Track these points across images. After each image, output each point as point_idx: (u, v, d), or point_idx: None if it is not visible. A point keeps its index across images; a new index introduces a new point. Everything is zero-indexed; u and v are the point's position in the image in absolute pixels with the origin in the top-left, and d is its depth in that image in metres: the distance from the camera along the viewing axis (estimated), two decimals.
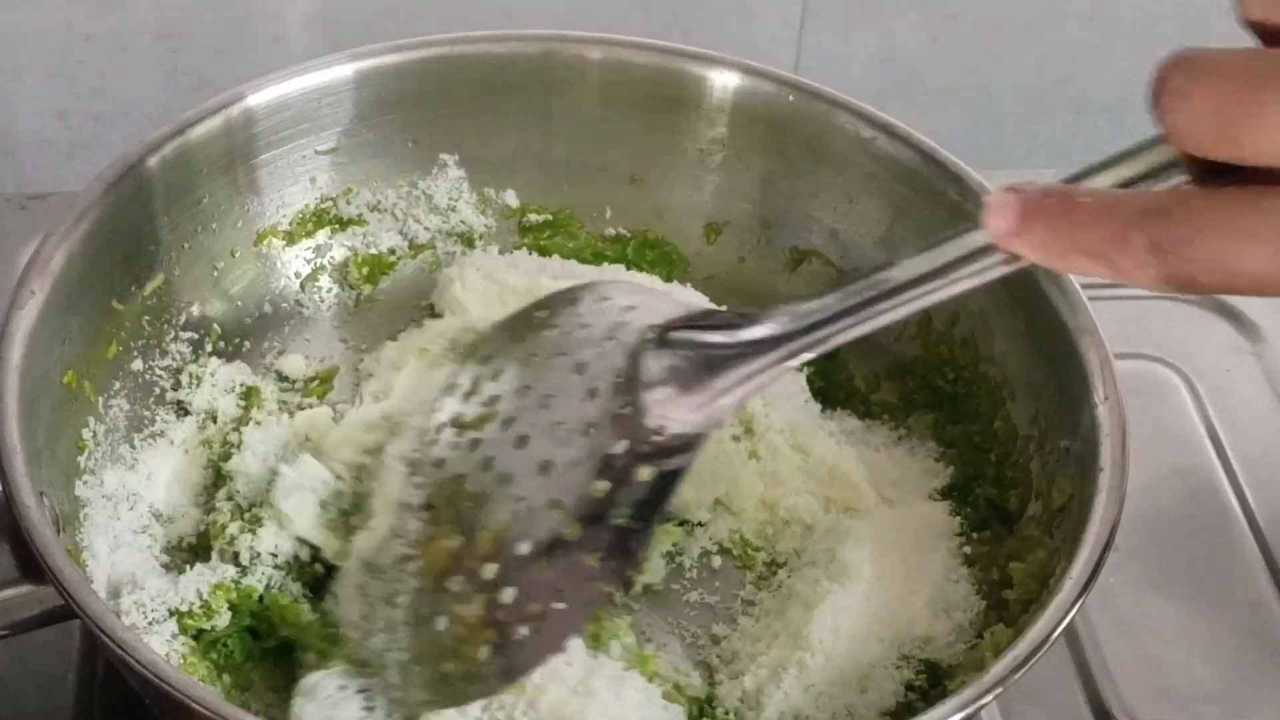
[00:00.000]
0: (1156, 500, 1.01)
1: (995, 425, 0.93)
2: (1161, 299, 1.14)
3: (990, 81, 1.32)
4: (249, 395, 0.94)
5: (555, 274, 0.98)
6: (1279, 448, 1.05)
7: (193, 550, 0.88)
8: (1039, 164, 1.28)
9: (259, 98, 0.95)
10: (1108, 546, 0.78)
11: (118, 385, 0.90)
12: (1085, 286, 0.89)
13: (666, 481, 0.74)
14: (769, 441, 0.92)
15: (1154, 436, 1.04)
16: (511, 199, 1.04)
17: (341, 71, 0.97)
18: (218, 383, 0.94)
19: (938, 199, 0.94)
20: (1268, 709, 0.92)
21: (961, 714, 0.71)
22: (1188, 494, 1.02)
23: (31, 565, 0.76)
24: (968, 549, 0.89)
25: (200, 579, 0.83)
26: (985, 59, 1.32)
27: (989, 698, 0.72)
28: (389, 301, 1.02)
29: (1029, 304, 0.90)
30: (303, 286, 1.01)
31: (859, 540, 0.87)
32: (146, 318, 0.92)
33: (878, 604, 0.85)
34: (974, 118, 1.34)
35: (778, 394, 0.93)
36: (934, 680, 0.83)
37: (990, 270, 0.65)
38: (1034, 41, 1.31)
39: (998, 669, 0.73)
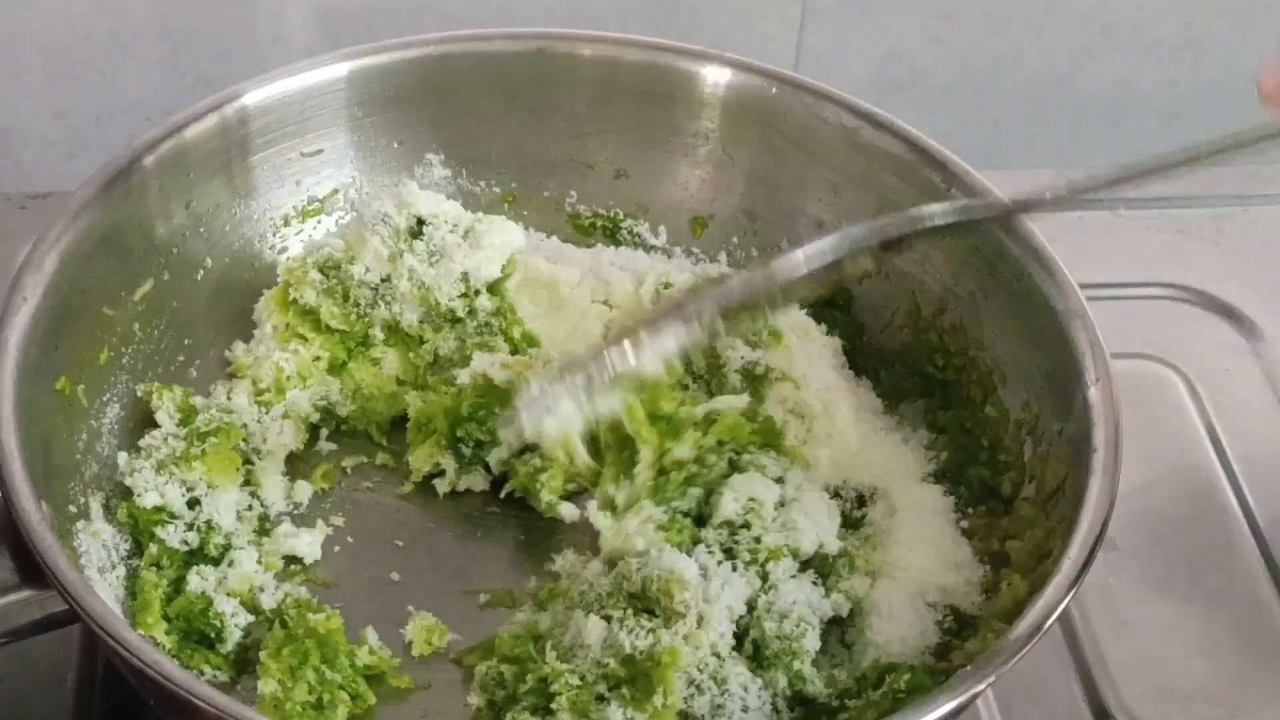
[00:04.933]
0: (1156, 500, 1.01)
1: (986, 410, 0.93)
2: (1161, 299, 1.14)
3: (990, 81, 1.32)
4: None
5: (550, 255, 1.00)
6: (1279, 448, 1.05)
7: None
8: (1039, 164, 1.28)
9: (246, 101, 0.95)
10: (1105, 526, 0.78)
11: (109, 392, 0.90)
12: (1084, 286, 0.89)
13: None
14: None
15: (1154, 436, 1.04)
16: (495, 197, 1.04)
17: (326, 74, 0.98)
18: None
19: (924, 186, 0.95)
20: (1267, 709, 0.92)
21: (960, 699, 0.72)
22: (1188, 494, 1.02)
23: (31, 570, 0.76)
24: (964, 523, 0.90)
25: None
26: (985, 59, 1.32)
27: (983, 685, 0.73)
28: None
29: (1017, 290, 0.90)
30: None
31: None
32: (137, 324, 0.92)
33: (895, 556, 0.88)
34: (974, 118, 1.34)
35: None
36: (961, 624, 0.85)
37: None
38: (1034, 41, 1.31)
39: (996, 655, 0.73)
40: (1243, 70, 1.33)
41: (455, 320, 0.95)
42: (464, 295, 0.95)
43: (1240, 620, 0.96)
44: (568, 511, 0.90)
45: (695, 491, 0.88)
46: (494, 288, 0.96)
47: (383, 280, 0.95)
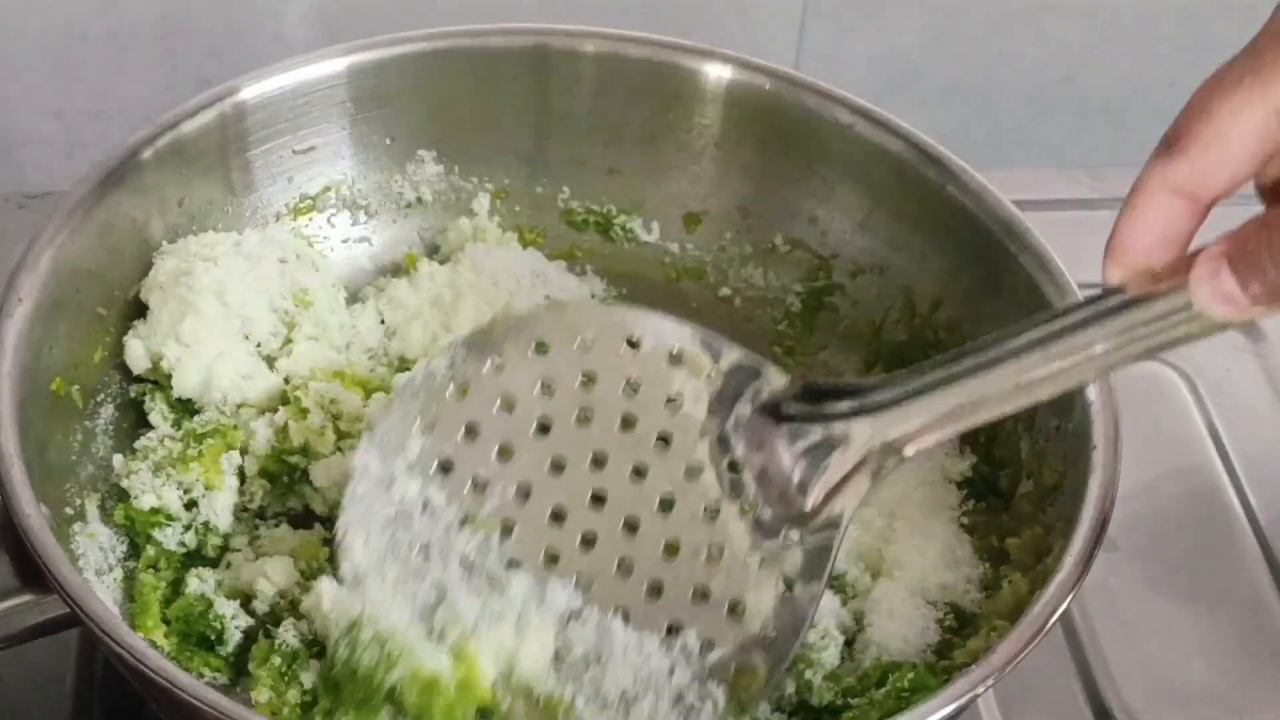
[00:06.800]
0: (1156, 500, 1.01)
1: None
2: None
3: (990, 81, 1.32)
4: None
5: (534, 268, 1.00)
6: (1279, 447, 1.05)
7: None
8: (1039, 164, 1.28)
9: (238, 97, 0.95)
10: (1105, 524, 0.78)
11: (103, 393, 0.90)
12: (1084, 286, 0.88)
13: None
14: None
15: (1154, 436, 1.04)
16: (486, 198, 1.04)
17: (318, 70, 0.97)
18: None
19: (918, 183, 0.95)
20: (1268, 709, 0.92)
21: (966, 697, 0.72)
22: (1188, 494, 1.02)
23: (31, 574, 0.76)
24: (965, 519, 0.89)
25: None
26: (985, 59, 1.32)
27: (983, 688, 0.73)
28: None
29: (1014, 288, 0.90)
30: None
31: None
32: (129, 322, 0.92)
33: (894, 554, 0.87)
34: (974, 118, 1.34)
35: None
36: (961, 622, 0.85)
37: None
38: (1034, 41, 1.31)
39: (1000, 652, 0.73)
40: None
41: None
42: None
43: (1242, 621, 0.96)
44: None
45: None
46: None
47: None
